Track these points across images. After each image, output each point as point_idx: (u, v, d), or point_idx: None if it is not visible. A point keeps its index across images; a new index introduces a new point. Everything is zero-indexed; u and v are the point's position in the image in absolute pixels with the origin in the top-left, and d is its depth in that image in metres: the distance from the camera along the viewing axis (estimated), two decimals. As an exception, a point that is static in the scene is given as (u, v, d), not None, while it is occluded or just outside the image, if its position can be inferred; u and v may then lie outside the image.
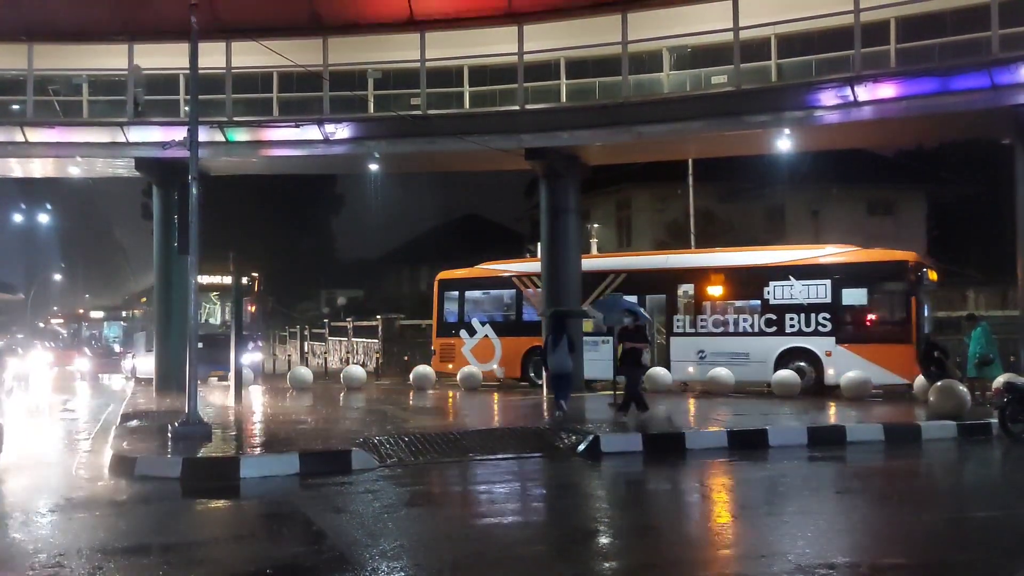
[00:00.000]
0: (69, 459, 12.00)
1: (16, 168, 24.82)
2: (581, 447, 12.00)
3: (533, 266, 22.42)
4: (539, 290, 21.52)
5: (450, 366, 22.59)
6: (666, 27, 19.65)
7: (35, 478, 10.53)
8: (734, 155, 25.00)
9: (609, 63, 20.42)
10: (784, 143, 20.50)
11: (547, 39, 20.49)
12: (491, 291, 23.41)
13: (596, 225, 28.04)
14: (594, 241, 24.64)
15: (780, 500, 9.26)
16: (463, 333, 23.07)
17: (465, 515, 8.86)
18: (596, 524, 8.41)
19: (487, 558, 7.01)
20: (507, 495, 9.85)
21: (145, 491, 9.86)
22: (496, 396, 19.93)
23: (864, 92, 17.80)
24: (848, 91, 17.90)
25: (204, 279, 24.94)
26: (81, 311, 40.60)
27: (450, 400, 19.24)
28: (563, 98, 20.72)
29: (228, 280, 25.21)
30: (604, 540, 7.73)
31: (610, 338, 17.80)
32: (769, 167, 29.45)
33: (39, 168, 24.92)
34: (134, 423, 14.82)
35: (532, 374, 21.52)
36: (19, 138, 21.58)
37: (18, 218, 50.02)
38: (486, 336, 22.59)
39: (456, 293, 23.73)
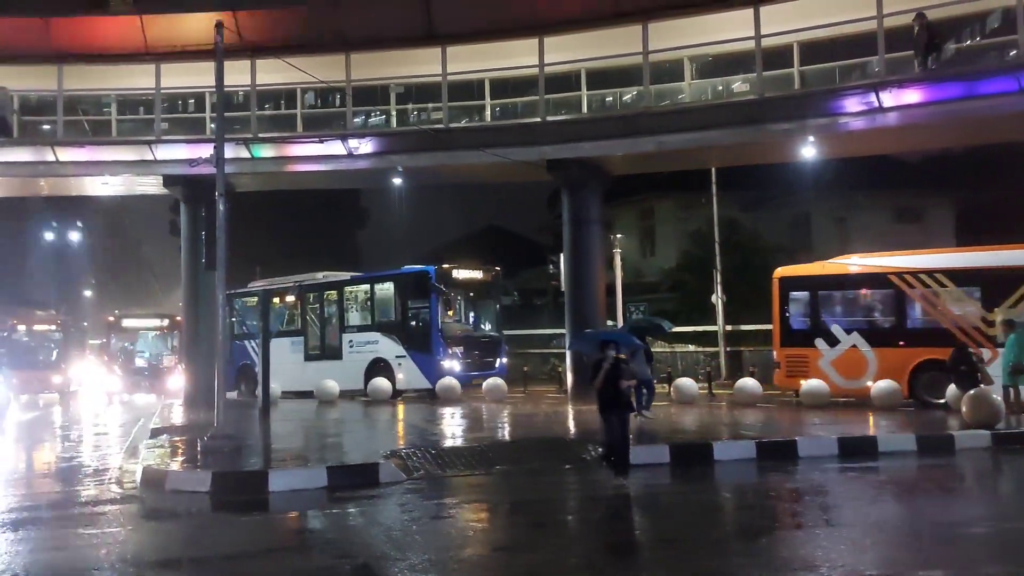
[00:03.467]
0: (102, 473, 12.12)
1: (48, 187, 25.21)
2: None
3: (920, 260, 18.38)
4: (933, 289, 17.71)
5: (802, 381, 18.62)
6: (687, 37, 19.66)
7: (68, 493, 10.65)
8: (757, 163, 24.91)
9: (630, 73, 20.46)
10: (808, 151, 20.40)
11: (568, 51, 20.56)
12: (858, 291, 19.20)
13: (619, 235, 27.98)
14: (617, 251, 24.54)
15: (809, 511, 9.17)
16: (819, 343, 18.82)
17: (492, 528, 8.85)
18: (622, 537, 8.37)
19: (514, 571, 7.00)
20: (534, 508, 9.82)
21: (176, 505, 9.96)
22: (523, 407, 19.90)
23: (889, 98, 17.70)
24: (873, 97, 17.80)
25: (461, 274, 23.21)
26: (112, 319, 32.93)
27: (477, 412, 19.24)
28: (584, 109, 20.76)
29: (477, 275, 23.47)
30: (631, 553, 7.69)
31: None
32: (793, 175, 29.31)
33: (70, 186, 25.30)
34: (164, 437, 14.95)
35: (924, 393, 17.37)
36: (50, 157, 21.96)
37: (50, 236, 50.73)
38: (853, 346, 18.45)
39: (806, 294, 19.48)
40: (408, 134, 21.51)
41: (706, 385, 21.83)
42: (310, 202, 43.18)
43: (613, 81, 21.03)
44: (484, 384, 21.93)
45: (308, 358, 24.79)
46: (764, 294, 25.02)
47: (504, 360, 23.57)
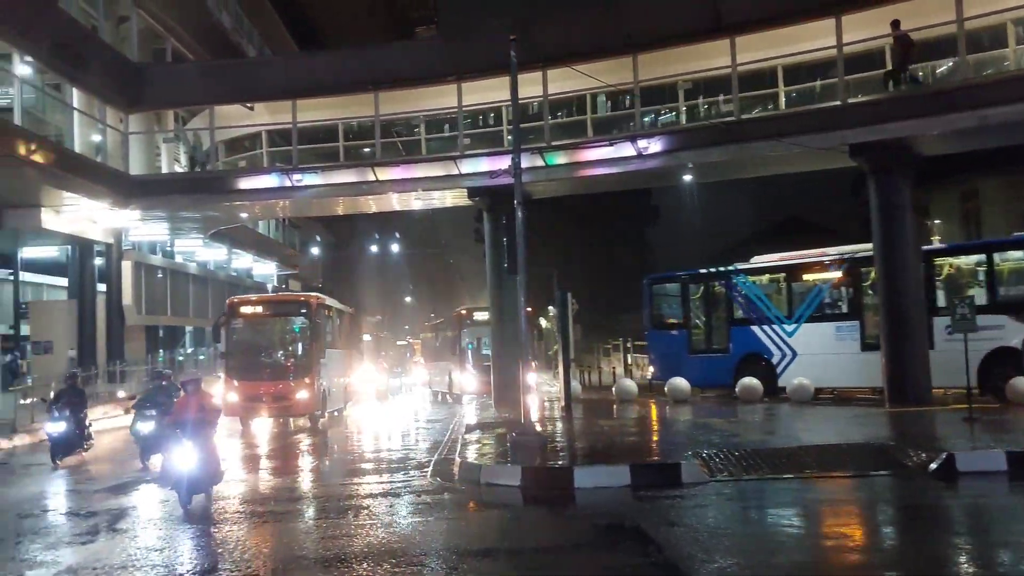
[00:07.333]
0: (424, 466, 13.22)
1: (370, 204, 27.92)
2: (933, 465, 10.95)
3: None
4: None
5: None
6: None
7: (394, 483, 11.74)
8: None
9: (942, 44, 18.61)
10: None
11: (868, 27, 19.12)
12: None
13: (937, 221, 25.44)
14: (936, 239, 22.27)
15: None
16: None
17: (805, 535, 8.48)
18: (951, 550, 7.64)
19: (831, 581, 6.68)
20: (849, 515, 9.28)
21: (491, 497, 10.64)
22: (824, 409, 18.85)
23: None
24: None
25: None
26: (463, 312, 29.88)
27: (780, 413, 18.52)
28: (889, 87, 19.21)
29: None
30: (962, 568, 7.00)
31: None
32: None
33: (388, 203, 27.81)
34: (477, 433, 15.98)
35: None
36: (371, 177, 24.29)
37: (373, 248, 56.31)
38: None
39: None
40: (697, 129, 21.21)
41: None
42: (602, 203, 44.02)
43: (921, 55, 19.24)
44: (789, 385, 20.69)
45: (866, 347, 20.37)
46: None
47: None
